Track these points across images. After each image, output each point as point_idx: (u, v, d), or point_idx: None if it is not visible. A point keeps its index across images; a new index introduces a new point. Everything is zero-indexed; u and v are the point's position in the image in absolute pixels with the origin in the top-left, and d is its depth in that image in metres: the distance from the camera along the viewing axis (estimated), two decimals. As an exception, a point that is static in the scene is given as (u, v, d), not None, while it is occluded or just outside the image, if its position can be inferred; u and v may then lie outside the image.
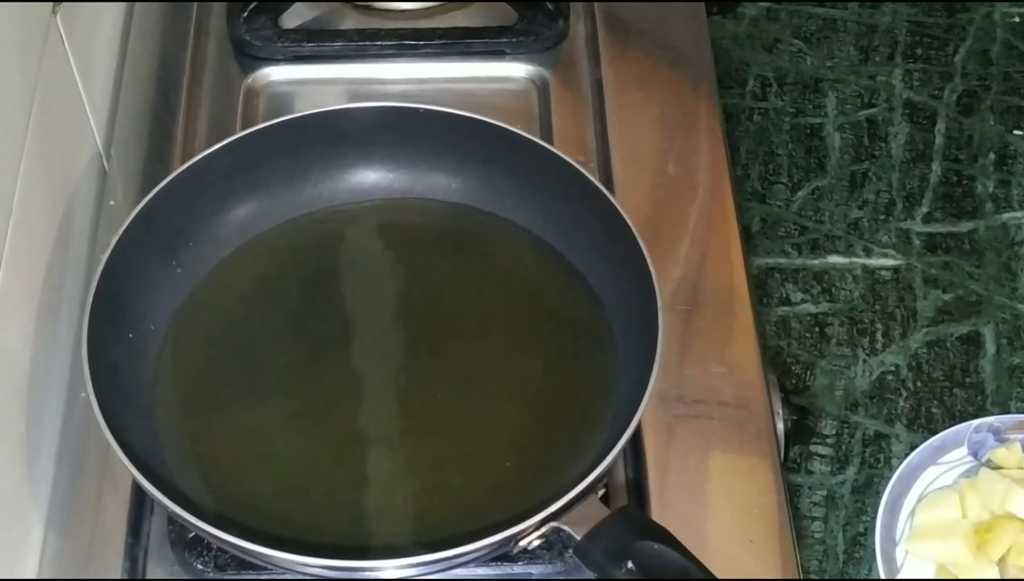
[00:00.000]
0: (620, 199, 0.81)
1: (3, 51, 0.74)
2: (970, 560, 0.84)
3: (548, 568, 0.74)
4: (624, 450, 0.73)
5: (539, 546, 0.71)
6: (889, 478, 1.53)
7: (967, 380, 1.59)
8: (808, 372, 1.59)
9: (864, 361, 1.60)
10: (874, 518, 1.22)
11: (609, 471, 0.73)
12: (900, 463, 1.33)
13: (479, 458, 0.77)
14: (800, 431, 0.87)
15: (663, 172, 0.92)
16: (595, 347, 0.80)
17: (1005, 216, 1.72)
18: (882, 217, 1.71)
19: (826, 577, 1.46)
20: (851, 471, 1.53)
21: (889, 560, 0.84)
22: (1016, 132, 1.79)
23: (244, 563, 0.74)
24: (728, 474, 0.79)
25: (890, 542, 0.85)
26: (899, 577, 0.83)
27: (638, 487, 0.78)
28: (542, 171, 0.84)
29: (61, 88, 0.85)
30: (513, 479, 0.76)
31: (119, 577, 0.75)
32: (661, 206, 0.90)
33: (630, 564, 0.66)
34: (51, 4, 0.83)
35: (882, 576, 0.83)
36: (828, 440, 1.55)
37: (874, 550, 0.99)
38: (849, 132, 1.80)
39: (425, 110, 0.85)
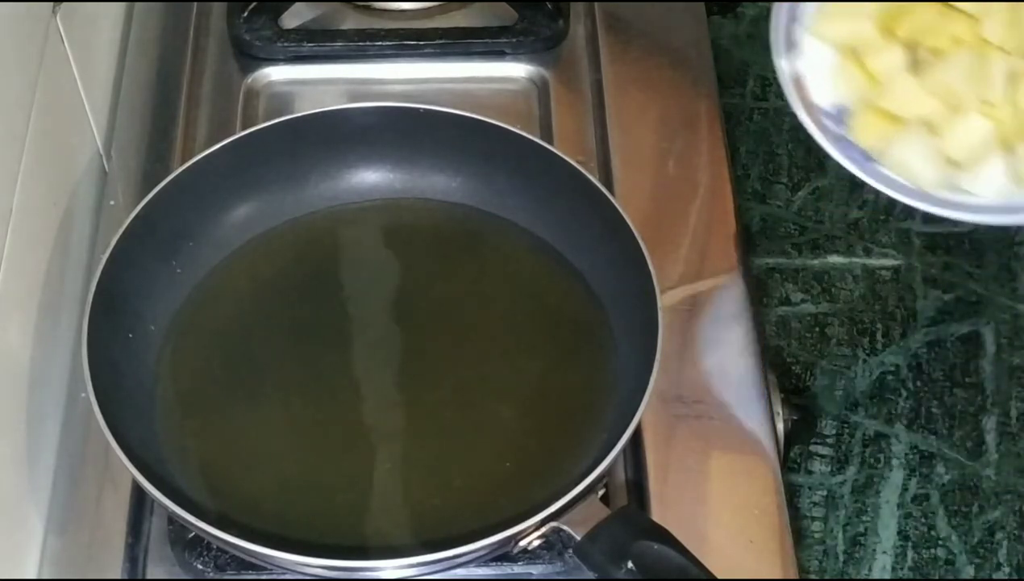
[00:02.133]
0: (620, 199, 0.81)
1: (3, 51, 0.74)
2: (877, 40, 0.81)
3: (548, 568, 0.74)
4: (624, 450, 0.72)
5: (539, 546, 0.71)
6: (889, 478, 1.53)
7: (967, 380, 1.59)
8: (808, 372, 1.60)
9: (864, 361, 1.60)
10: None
11: (609, 471, 0.73)
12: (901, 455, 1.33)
13: (479, 458, 0.77)
14: (800, 431, 0.87)
15: (663, 172, 0.92)
16: (595, 347, 0.80)
17: (1005, 216, 1.71)
18: (882, 217, 1.71)
19: (826, 577, 1.46)
20: (851, 471, 1.53)
21: (791, 44, 0.81)
22: (1016, 132, 1.79)
23: (244, 563, 0.74)
24: (728, 474, 0.79)
25: (793, 23, 0.82)
26: (798, 62, 0.81)
27: (638, 487, 0.78)
28: (542, 171, 0.84)
29: (61, 88, 0.85)
30: (513, 479, 0.76)
31: (119, 577, 0.75)
32: (661, 206, 0.90)
33: (630, 564, 0.66)
34: (51, 4, 0.83)
35: (778, 61, 0.80)
36: (828, 440, 1.55)
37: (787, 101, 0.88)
38: (849, 132, 1.79)
39: (425, 110, 0.85)
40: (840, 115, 0.81)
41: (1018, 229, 1.69)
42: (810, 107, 0.80)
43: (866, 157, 0.81)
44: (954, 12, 0.80)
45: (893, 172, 0.80)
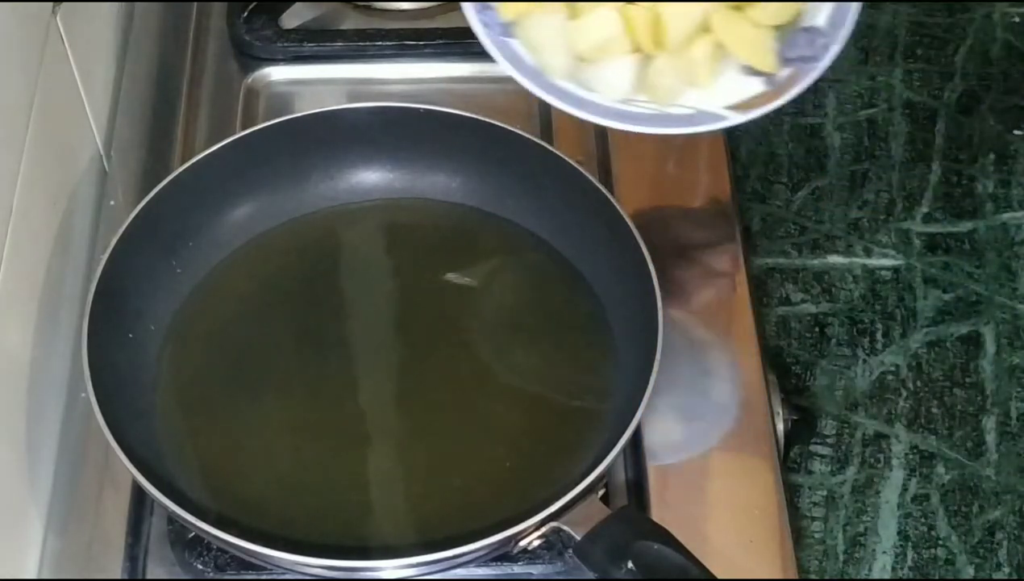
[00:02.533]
0: (620, 199, 0.81)
1: (3, 51, 0.74)
2: None
3: (548, 568, 0.74)
4: (624, 450, 0.73)
5: (539, 546, 0.71)
6: (889, 478, 1.53)
7: (967, 380, 1.59)
8: (808, 372, 1.60)
9: (864, 361, 1.60)
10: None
11: (609, 471, 0.73)
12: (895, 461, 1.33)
13: (479, 458, 0.77)
14: (800, 431, 0.87)
15: (663, 172, 0.92)
16: (595, 347, 0.80)
17: (1005, 216, 1.72)
18: (882, 217, 1.72)
19: (826, 577, 1.46)
20: (851, 471, 1.53)
21: None
22: (1016, 132, 1.79)
23: (244, 563, 0.74)
24: (728, 474, 0.79)
25: None
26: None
27: (638, 487, 0.78)
28: (542, 171, 0.84)
29: (61, 88, 0.85)
30: (513, 479, 0.76)
31: (119, 577, 0.75)
32: (661, 206, 0.90)
33: (630, 564, 0.66)
34: (51, 4, 0.83)
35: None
36: (828, 440, 1.55)
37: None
38: (849, 132, 1.80)
39: (425, 110, 0.85)
40: None
41: (1018, 229, 1.69)
42: None
43: (505, 31, 0.75)
44: None
45: (525, 52, 0.75)
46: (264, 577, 0.74)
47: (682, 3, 0.72)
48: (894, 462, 1.53)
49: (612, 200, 0.80)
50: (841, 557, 1.47)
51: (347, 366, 0.81)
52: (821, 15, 0.75)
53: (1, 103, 0.73)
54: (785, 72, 0.75)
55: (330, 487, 0.75)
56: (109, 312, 0.76)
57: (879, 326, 1.62)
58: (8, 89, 0.75)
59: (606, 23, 0.73)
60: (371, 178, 0.88)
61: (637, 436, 0.79)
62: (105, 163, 0.93)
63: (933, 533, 1.49)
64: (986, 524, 1.50)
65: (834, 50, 0.74)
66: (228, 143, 0.83)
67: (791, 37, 0.75)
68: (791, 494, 1.46)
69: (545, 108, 0.95)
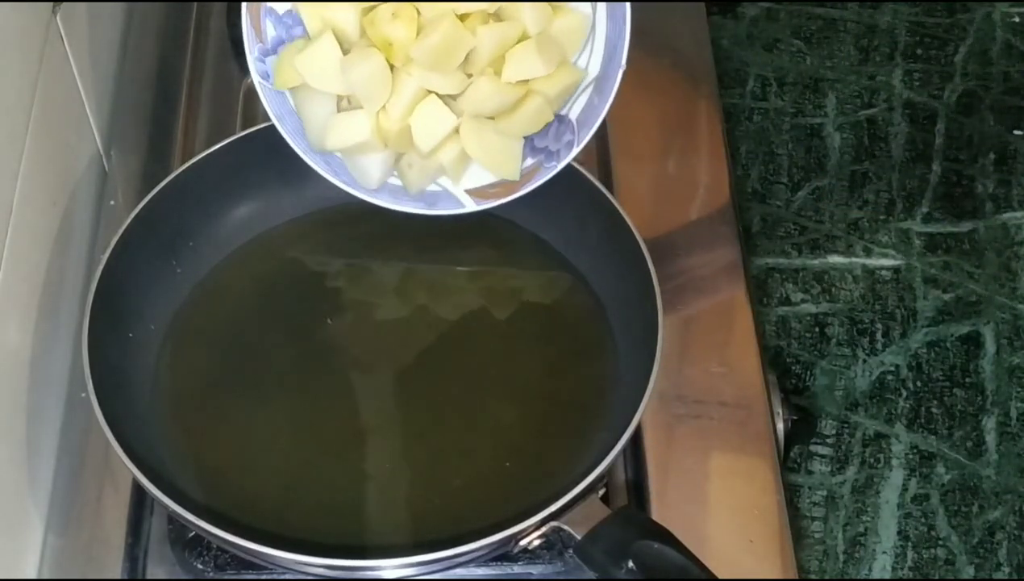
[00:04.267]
0: (620, 199, 0.81)
1: (3, 51, 0.74)
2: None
3: (548, 568, 0.74)
4: (624, 450, 0.73)
5: (539, 546, 0.71)
6: (889, 478, 1.53)
7: (967, 380, 1.59)
8: (808, 372, 1.60)
9: (864, 361, 1.60)
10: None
11: (609, 471, 0.73)
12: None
13: (479, 458, 0.77)
14: (800, 431, 0.87)
15: (663, 172, 0.92)
16: (595, 347, 0.80)
17: (1005, 216, 1.72)
18: (882, 217, 1.72)
19: (826, 577, 1.46)
20: (851, 471, 1.53)
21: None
22: (1016, 132, 1.79)
23: (244, 563, 0.74)
24: (728, 474, 0.79)
25: None
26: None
27: (638, 487, 0.78)
28: (542, 171, 0.84)
29: (61, 88, 0.85)
30: (513, 479, 0.76)
31: (119, 577, 0.75)
32: (661, 206, 0.90)
33: (630, 564, 0.66)
34: (51, 4, 0.83)
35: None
36: (828, 440, 1.55)
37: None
38: (849, 132, 1.80)
39: (425, 110, 0.85)
40: (292, 25, 0.76)
41: (1018, 229, 1.69)
42: (258, 7, 0.75)
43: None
44: (410, 14, 0.73)
45: (300, 114, 0.78)
46: (264, 577, 0.74)
47: (432, 116, 0.75)
48: (894, 462, 1.53)
49: (612, 200, 0.80)
50: (841, 557, 1.47)
51: (346, 366, 0.81)
52: (576, 107, 0.79)
53: (1, 103, 0.73)
54: (528, 163, 0.79)
55: (330, 486, 0.75)
56: (109, 312, 0.76)
57: (879, 326, 1.63)
58: (8, 89, 0.75)
59: (357, 130, 0.76)
60: (371, 178, 0.88)
61: (637, 436, 0.79)
62: (105, 163, 0.93)
63: (933, 533, 1.49)
64: (986, 524, 1.50)
65: (574, 152, 0.78)
66: (228, 143, 0.84)
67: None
68: (791, 494, 1.46)
69: (545, 108, 0.95)
